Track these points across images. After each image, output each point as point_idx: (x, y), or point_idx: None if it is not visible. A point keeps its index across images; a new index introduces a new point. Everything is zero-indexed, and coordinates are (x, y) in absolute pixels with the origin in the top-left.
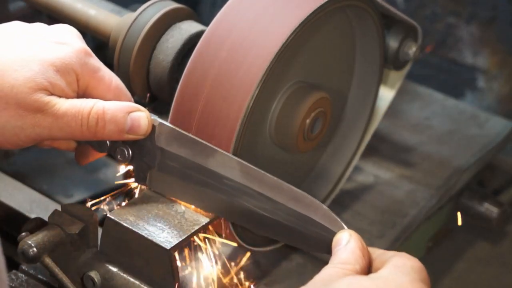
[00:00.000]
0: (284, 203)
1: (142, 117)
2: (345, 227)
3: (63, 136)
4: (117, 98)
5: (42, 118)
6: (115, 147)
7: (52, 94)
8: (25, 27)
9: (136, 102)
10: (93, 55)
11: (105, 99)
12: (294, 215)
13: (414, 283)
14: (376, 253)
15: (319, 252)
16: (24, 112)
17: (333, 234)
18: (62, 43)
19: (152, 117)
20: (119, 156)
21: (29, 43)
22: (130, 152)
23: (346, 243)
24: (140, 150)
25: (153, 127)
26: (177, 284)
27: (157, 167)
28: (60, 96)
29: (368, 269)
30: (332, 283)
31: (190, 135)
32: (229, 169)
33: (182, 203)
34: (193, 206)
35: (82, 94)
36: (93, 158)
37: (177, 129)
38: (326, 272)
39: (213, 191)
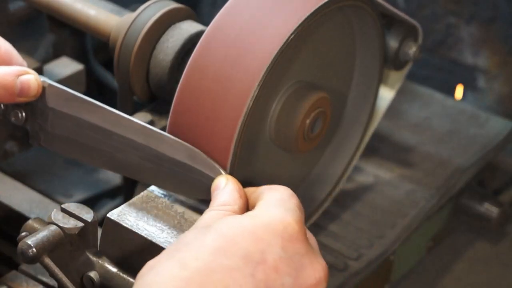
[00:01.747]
0: (166, 153)
1: (31, 79)
2: (223, 172)
3: None
4: (7, 63)
5: None
6: (9, 110)
7: None
8: None
9: (135, 102)
10: None
11: None
12: (176, 163)
13: (285, 213)
14: (250, 191)
15: (199, 197)
16: None
17: (212, 179)
18: None
19: (41, 79)
20: (13, 119)
21: None
22: (24, 114)
23: (224, 187)
24: (33, 112)
25: (43, 88)
26: None
27: (49, 127)
28: None
29: (245, 208)
30: (213, 224)
31: (79, 95)
32: (116, 124)
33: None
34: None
35: None
36: None
37: (67, 89)
38: (207, 215)
39: (102, 147)
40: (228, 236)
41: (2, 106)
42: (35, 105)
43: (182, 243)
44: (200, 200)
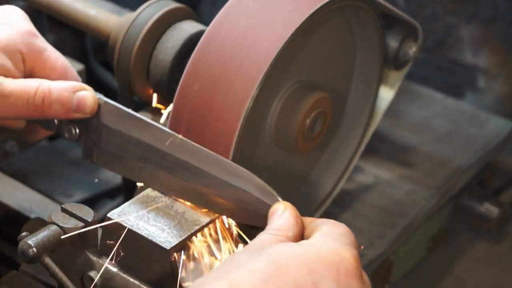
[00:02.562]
0: (223, 178)
1: (87, 96)
2: (280, 199)
3: (11, 116)
4: (64, 77)
5: None
6: (63, 125)
7: None
8: None
9: (136, 102)
10: (39, 35)
11: (51, 79)
12: (232, 189)
13: (343, 247)
14: (307, 221)
15: (254, 224)
16: None
17: (269, 207)
18: (7, 24)
19: (97, 96)
20: (67, 135)
21: None
22: (78, 131)
23: (281, 213)
24: (87, 128)
25: (99, 105)
26: (177, 284)
27: (103, 144)
28: (6, 77)
29: (300, 236)
30: (264, 248)
31: (134, 113)
32: (169, 144)
33: (182, 201)
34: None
35: (28, 74)
36: (41, 136)
37: (122, 107)
38: (259, 238)
39: (155, 167)
40: (280, 263)
41: (56, 121)
42: (89, 122)
43: (232, 264)
44: None
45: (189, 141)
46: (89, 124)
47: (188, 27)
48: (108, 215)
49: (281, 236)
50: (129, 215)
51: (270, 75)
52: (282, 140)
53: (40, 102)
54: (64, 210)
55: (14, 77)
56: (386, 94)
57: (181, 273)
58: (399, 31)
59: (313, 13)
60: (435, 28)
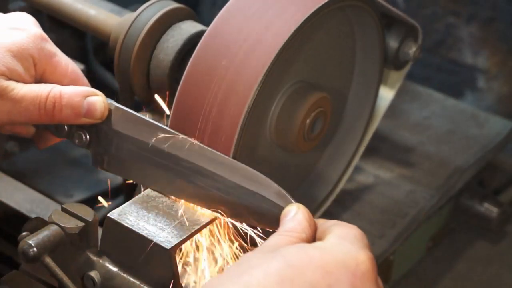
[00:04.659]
0: (238, 182)
1: (98, 101)
2: (293, 201)
3: (22, 121)
4: (74, 82)
5: (1, 103)
6: (73, 131)
7: (10, 79)
8: None
9: (136, 102)
10: (50, 40)
11: (62, 84)
12: (246, 193)
13: (359, 250)
14: (319, 223)
15: (268, 227)
16: None
17: (281, 209)
18: (18, 29)
19: (108, 101)
20: (77, 141)
21: None
22: (88, 136)
23: (294, 215)
24: (97, 134)
25: (109, 111)
26: (177, 284)
27: (113, 150)
28: (18, 81)
29: (313, 238)
30: (279, 249)
31: (145, 118)
32: (183, 150)
33: (182, 202)
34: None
35: (39, 79)
36: (51, 143)
37: (133, 112)
38: (273, 239)
39: (168, 172)
40: (295, 265)
41: (66, 127)
42: (100, 128)
43: (246, 265)
44: None
45: (203, 146)
46: (99, 130)
47: (189, 27)
48: (108, 215)
49: (295, 237)
50: (130, 215)
51: (270, 75)
52: (282, 140)
53: (51, 107)
54: (64, 210)
55: (25, 81)
56: (386, 94)
57: (181, 273)
58: (399, 31)
59: (313, 13)
60: (435, 28)
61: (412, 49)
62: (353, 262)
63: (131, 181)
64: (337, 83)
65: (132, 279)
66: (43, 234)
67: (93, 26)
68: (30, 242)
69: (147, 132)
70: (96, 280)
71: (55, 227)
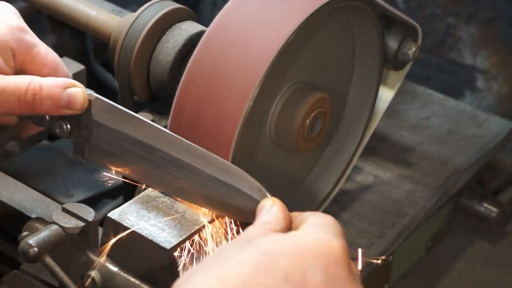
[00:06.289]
0: (211, 174)
1: (77, 92)
2: (269, 195)
3: (3, 112)
4: (54, 73)
5: None
6: (54, 121)
7: None
8: None
9: (136, 102)
10: (29, 31)
11: (41, 75)
12: (220, 184)
13: (332, 238)
14: (295, 216)
15: (243, 220)
16: None
17: (257, 202)
18: None
19: (88, 92)
20: (58, 131)
21: None
22: (69, 126)
23: (270, 208)
24: (78, 124)
25: (89, 101)
26: None
27: (93, 140)
28: None
29: (288, 230)
30: (253, 240)
31: (125, 109)
32: (160, 140)
33: (182, 202)
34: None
35: (19, 70)
36: (33, 131)
37: (113, 103)
38: (248, 231)
39: (145, 163)
40: (269, 253)
41: (47, 117)
42: (80, 118)
43: (221, 256)
44: None
45: (179, 137)
46: (80, 120)
47: (189, 28)
48: (108, 215)
49: (270, 229)
50: (130, 215)
51: (270, 75)
52: (282, 140)
53: (31, 99)
54: (65, 210)
55: (5, 73)
56: (386, 95)
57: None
58: (398, 32)
59: (313, 13)
60: (435, 29)
61: (411, 50)
62: (326, 249)
63: (131, 181)
64: (337, 84)
65: (132, 279)
66: (44, 234)
67: (94, 27)
68: (30, 242)
69: (126, 123)
70: (97, 280)
71: (55, 227)
